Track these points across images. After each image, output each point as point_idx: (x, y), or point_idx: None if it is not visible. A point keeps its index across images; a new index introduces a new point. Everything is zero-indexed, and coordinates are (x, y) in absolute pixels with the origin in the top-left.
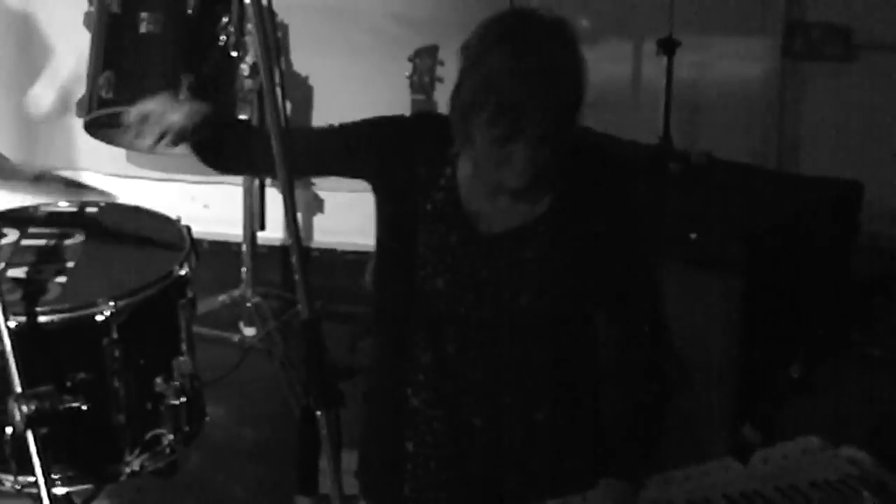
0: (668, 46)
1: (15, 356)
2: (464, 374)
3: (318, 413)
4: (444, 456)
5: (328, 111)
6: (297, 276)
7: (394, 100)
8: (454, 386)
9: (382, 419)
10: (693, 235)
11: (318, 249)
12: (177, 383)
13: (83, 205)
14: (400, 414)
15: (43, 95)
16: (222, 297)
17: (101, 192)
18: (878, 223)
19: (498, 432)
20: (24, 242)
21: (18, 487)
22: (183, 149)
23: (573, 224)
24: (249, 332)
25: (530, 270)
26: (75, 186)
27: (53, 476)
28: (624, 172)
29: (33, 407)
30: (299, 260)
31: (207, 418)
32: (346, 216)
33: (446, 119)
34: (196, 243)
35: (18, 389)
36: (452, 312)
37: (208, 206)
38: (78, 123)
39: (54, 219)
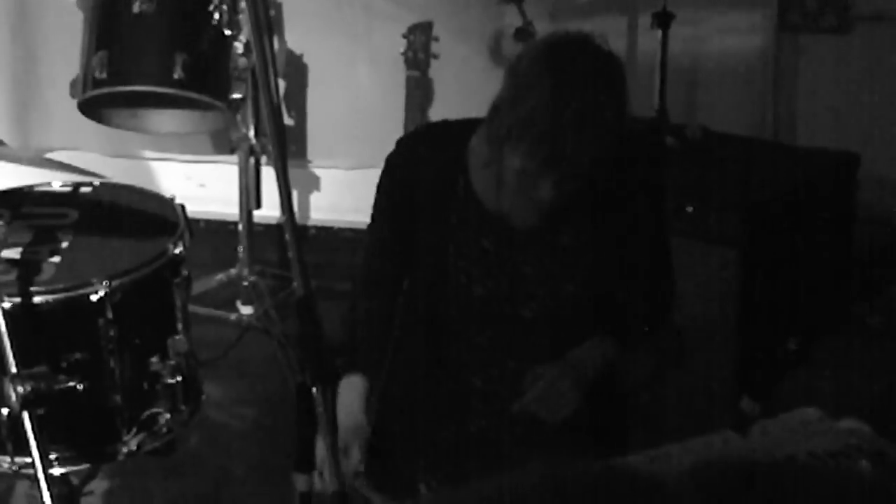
0: (662, 19)
1: (10, 337)
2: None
3: (314, 390)
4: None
5: (323, 89)
6: (291, 254)
7: (388, 76)
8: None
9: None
10: (690, 208)
11: (315, 227)
12: (173, 362)
13: (77, 184)
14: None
15: (37, 77)
16: (219, 276)
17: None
18: (876, 194)
19: None
20: (18, 222)
21: (15, 468)
22: (178, 128)
23: (606, 204)
24: (246, 310)
25: (570, 257)
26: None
27: (50, 456)
28: (653, 150)
29: (29, 388)
30: (293, 237)
31: (204, 397)
32: (343, 193)
33: (434, 127)
34: (191, 222)
35: (14, 370)
36: (494, 314)
37: (204, 185)
38: (72, 104)
39: (48, 198)
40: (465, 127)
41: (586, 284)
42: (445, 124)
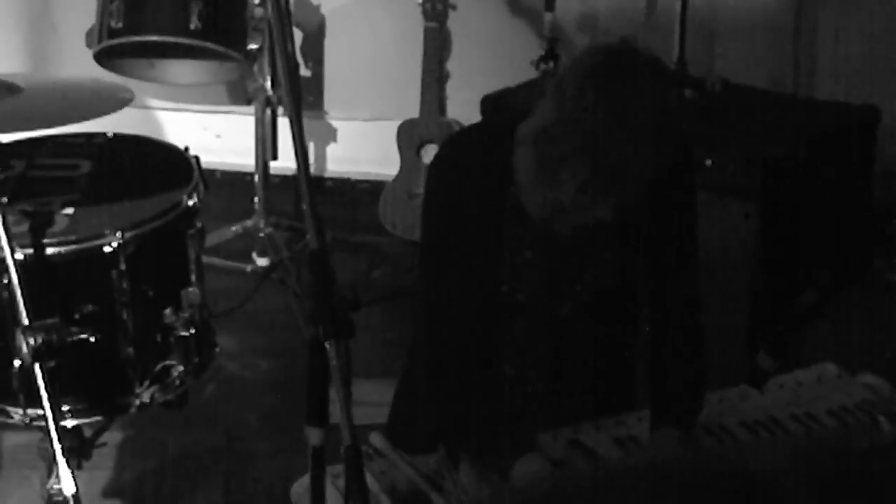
0: None
1: (22, 288)
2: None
3: (328, 344)
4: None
5: (340, 39)
6: (305, 206)
7: (406, 27)
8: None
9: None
10: (709, 162)
11: (332, 179)
12: (186, 314)
13: (91, 135)
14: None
15: (53, 26)
16: (235, 228)
17: None
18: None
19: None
20: (32, 173)
21: (27, 420)
22: (194, 78)
23: (645, 213)
24: (262, 262)
25: (608, 263)
26: None
27: (63, 409)
28: (690, 158)
29: (41, 339)
30: (307, 190)
31: (218, 349)
32: (360, 145)
33: (472, 136)
34: (205, 173)
35: (26, 322)
36: (531, 313)
37: (220, 135)
38: (88, 54)
39: (62, 150)
40: (506, 130)
41: (622, 285)
42: (484, 130)
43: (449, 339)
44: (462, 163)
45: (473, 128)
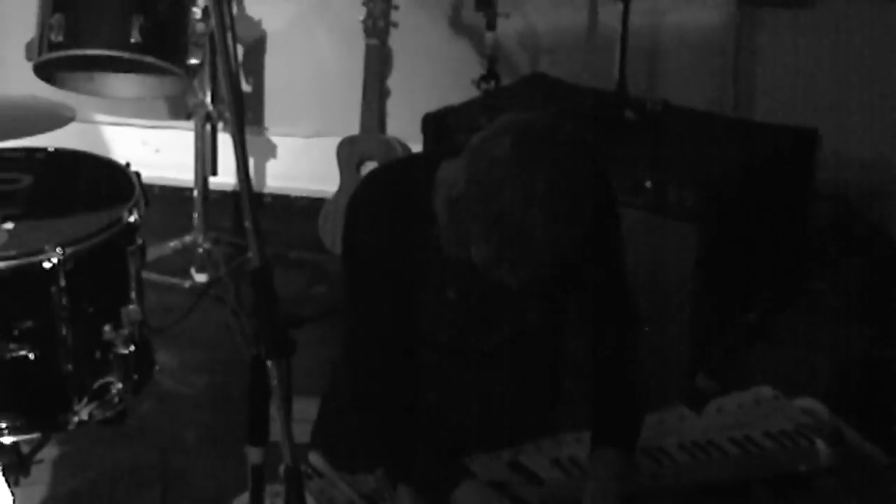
0: None
1: None
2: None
3: (269, 363)
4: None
5: (281, 55)
6: (247, 224)
7: (347, 44)
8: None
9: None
10: (648, 183)
11: (271, 195)
12: (125, 331)
13: (32, 149)
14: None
15: None
16: (173, 243)
17: None
18: (834, 170)
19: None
20: None
21: None
22: (135, 92)
23: (555, 283)
24: (201, 278)
25: (530, 305)
26: None
27: (1, 425)
28: (611, 197)
29: None
30: (250, 207)
31: (157, 367)
32: (300, 161)
33: (389, 178)
34: (146, 189)
35: None
36: (456, 350)
37: (159, 150)
38: (28, 67)
39: (1, 164)
40: (426, 170)
41: (545, 321)
42: (403, 169)
43: (373, 369)
44: (379, 203)
45: (392, 165)
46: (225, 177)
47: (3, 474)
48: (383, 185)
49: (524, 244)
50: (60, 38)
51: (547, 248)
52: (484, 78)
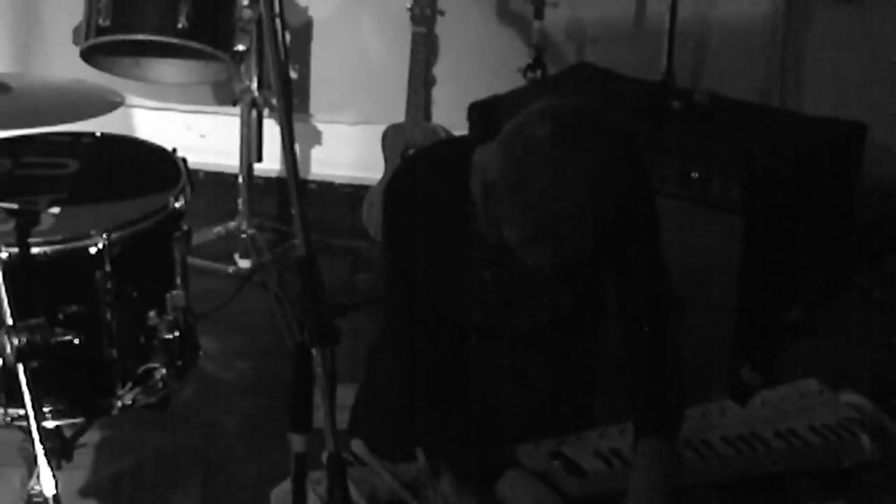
0: None
1: (6, 288)
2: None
3: (313, 350)
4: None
5: (327, 42)
6: (294, 211)
7: (394, 32)
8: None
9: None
10: (695, 174)
11: (315, 182)
12: (170, 317)
13: (78, 135)
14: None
15: (39, 22)
16: (217, 229)
17: None
18: (881, 165)
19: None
20: (18, 172)
21: (8, 420)
22: (180, 78)
23: (591, 262)
24: (244, 264)
25: (565, 289)
26: None
27: (44, 409)
28: (648, 183)
29: (24, 339)
30: (297, 195)
31: (201, 352)
32: (344, 148)
33: (428, 158)
34: (192, 175)
35: (10, 322)
36: (487, 330)
37: (205, 135)
38: (75, 51)
39: (49, 148)
40: (463, 153)
41: (581, 306)
42: (440, 152)
43: (414, 356)
44: (418, 185)
45: (430, 148)
46: (269, 163)
47: (46, 458)
48: (422, 166)
49: (557, 226)
50: (108, 23)
51: (579, 231)
52: (530, 67)
